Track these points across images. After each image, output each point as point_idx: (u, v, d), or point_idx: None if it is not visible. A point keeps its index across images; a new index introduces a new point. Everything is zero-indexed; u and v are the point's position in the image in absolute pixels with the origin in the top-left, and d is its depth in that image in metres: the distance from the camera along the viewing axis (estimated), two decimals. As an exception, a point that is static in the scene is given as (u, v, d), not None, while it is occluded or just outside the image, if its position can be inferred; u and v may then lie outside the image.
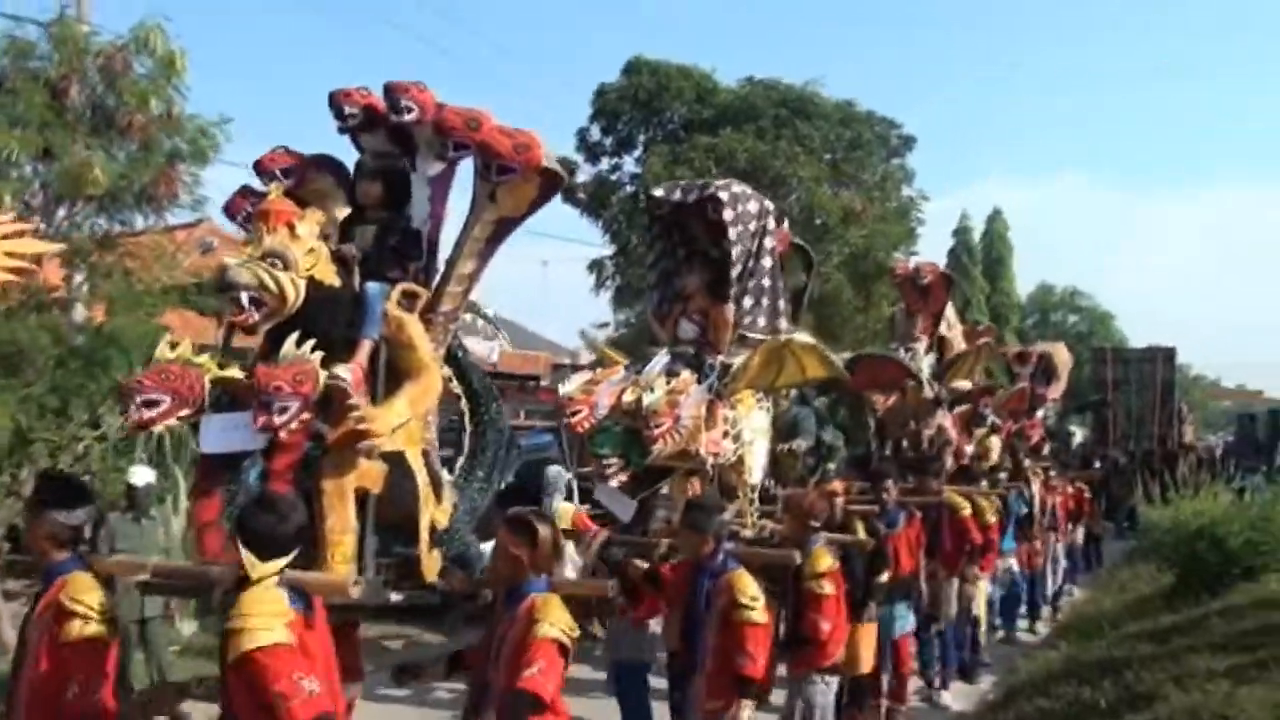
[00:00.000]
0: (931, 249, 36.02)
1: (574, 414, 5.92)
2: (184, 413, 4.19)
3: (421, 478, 4.77)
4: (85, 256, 10.71)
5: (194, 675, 6.64)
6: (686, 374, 6.51)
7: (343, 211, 5.08)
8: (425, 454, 4.91)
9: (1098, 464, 19.66)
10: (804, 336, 7.42)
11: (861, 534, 7.50)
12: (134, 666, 8.49)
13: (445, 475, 5.14)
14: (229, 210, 5.13)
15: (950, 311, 12.48)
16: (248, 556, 3.64)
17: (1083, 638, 10.80)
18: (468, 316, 5.42)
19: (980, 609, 10.64)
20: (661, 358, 6.76)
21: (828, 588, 6.18)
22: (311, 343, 4.25)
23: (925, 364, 11.34)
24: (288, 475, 4.30)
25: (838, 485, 7.64)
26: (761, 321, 7.18)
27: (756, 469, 7.24)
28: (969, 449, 12.31)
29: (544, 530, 4.26)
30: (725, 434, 6.74)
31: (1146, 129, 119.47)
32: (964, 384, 12.45)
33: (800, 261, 8.84)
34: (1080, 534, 15.94)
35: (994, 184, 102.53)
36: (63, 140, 10.00)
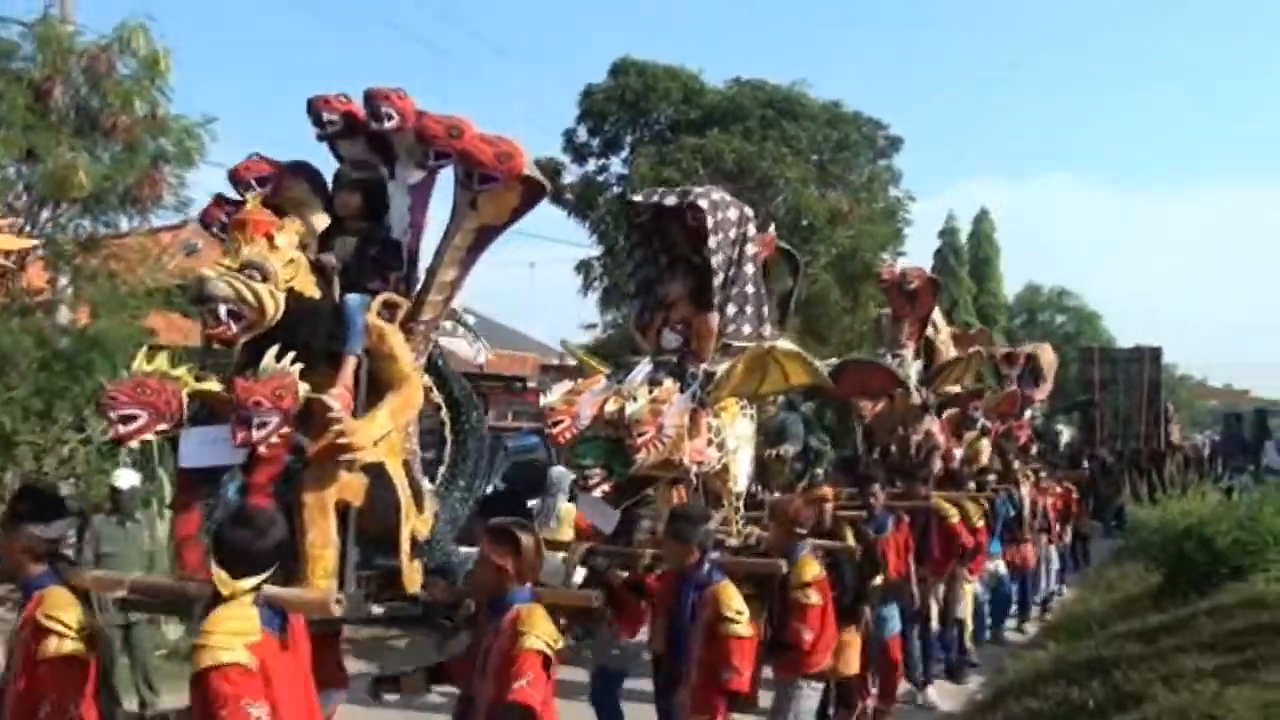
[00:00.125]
0: (918, 250, 36.16)
1: (556, 424, 5.89)
2: (161, 427, 4.14)
3: (402, 489, 4.72)
4: (69, 259, 10.66)
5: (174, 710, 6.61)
6: (669, 383, 6.47)
7: (321, 219, 5.02)
8: (406, 464, 4.87)
9: (1085, 464, 19.69)
10: (787, 344, 7.38)
11: (850, 539, 7.49)
12: (119, 672, 8.42)
13: (426, 484, 5.11)
14: (204, 219, 5.07)
15: (937, 315, 12.46)
16: (218, 573, 3.59)
17: (1071, 637, 10.81)
18: (447, 324, 5.36)
19: (966, 611, 10.65)
20: (644, 366, 6.73)
21: (814, 597, 6.15)
22: (291, 355, 4.20)
23: (913, 370, 11.31)
24: (268, 489, 4.25)
25: (828, 490, 7.61)
26: (746, 329, 7.14)
27: (741, 477, 7.21)
28: (958, 453, 12.30)
29: (527, 539, 4.25)
30: (709, 442, 6.72)
31: (1132, 130, 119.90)
32: (952, 388, 12.43)
33: (786, 266, 8.81)
34: (1069, 533, 15.99)
35: (980, 185, 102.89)
36: (46, 142, 9.95)
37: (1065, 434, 26.36)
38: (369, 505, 4.58)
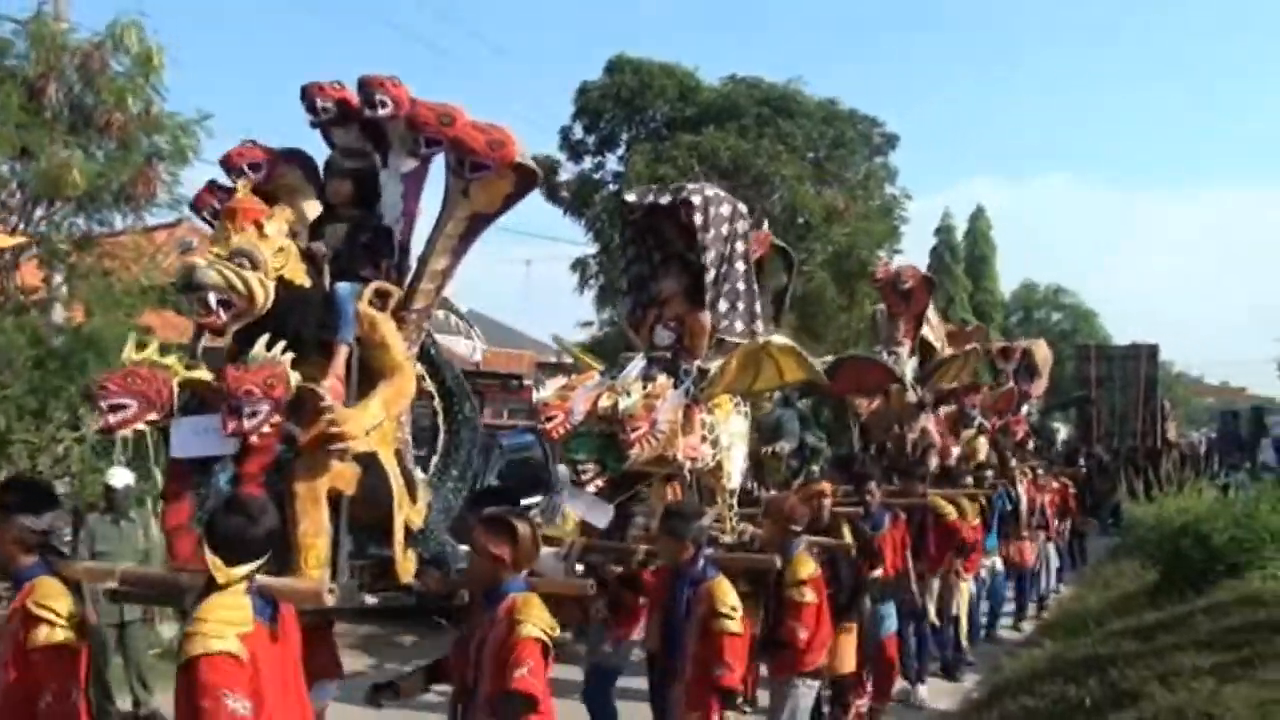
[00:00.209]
0: (914, 248, 36.09)
1: (549, 420, 5.87)
2: (152, 417, 4.11)
3: (395, 478, 4.69)
4: (63, 257, 10.62)
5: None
6: (663, 379, 6.46)
7: (313, 207, 5.00)
8: (399, 454, 4.84)
9: (1082, 461, 19.69)
10: (781, 338, 7.36)
11: (847, 536, 7.46)
12: (113, 671, 8.39)
13: (419, 474, 5.08)
14: (195, 205, 5.04)
15: (931, 312, 12.46)
16: (213, 560, 3.55)
17: (1067, 635, 10.78)
18: (440, 313, 5.34)
19: (962, 608, 10.62)
20: (638, 362, 6.72)
21: (809, 595, 6.12)
22: (282, 344, 4.17)
23: (909, 367, 11.31)
24: (259, 478, 4.21)
25: (826, 485, 7.58)
26: (739, 325, 7.13)
27: (735, 474, 7.19)
28: (956, 450, 12.30)
29: (524, 528, 4.23)
30: (703, 439, 6.71)
31: (1130, 129, 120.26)
32: (948, 385, 12.42)
33: (781, 262, 8.81)
34: (1066, 529, 15.99)
35: (977, 184, 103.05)
36: (40, 139, 9.89)
37: (1062, 431, 26.40)
38: (362, 494, 4.56)
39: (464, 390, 5.45)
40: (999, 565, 12.17)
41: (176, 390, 4.18)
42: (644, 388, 6.19)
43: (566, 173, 23.60)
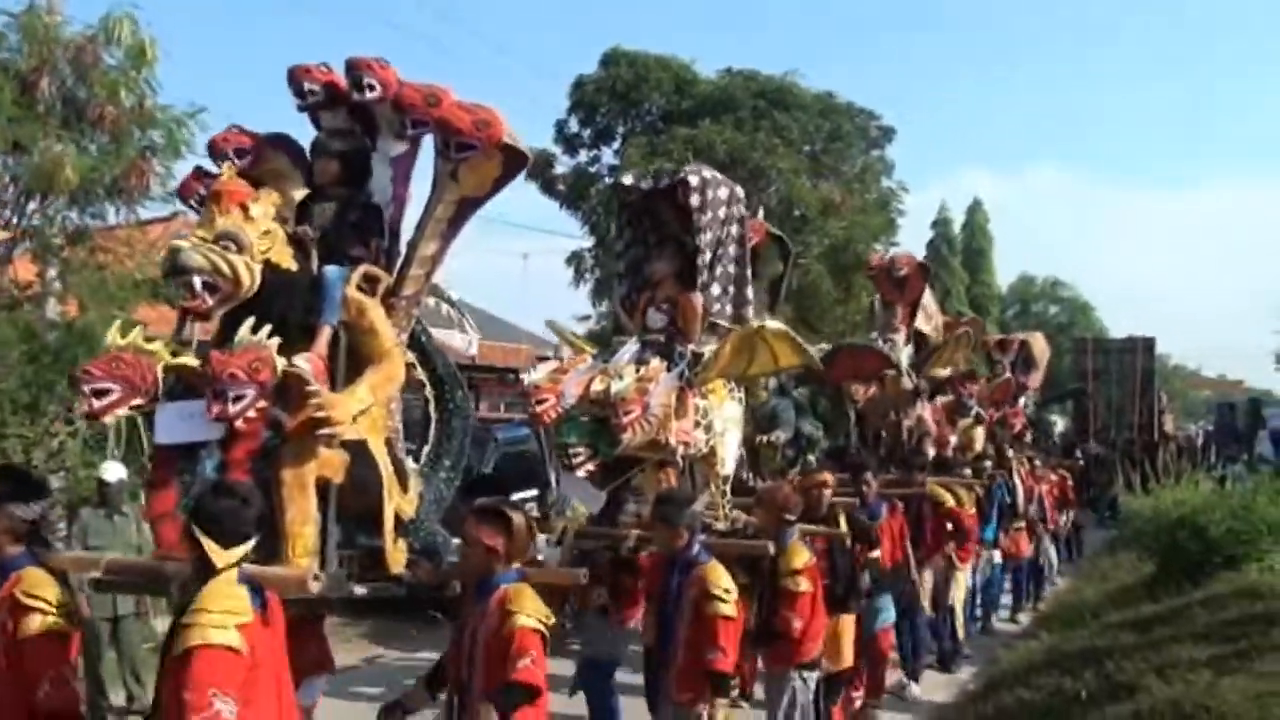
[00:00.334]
0: (911, 241, 36.10)
1: (540, 403, 5.80)
2: (136, 402, 4.07)
3: (385, 466, 4.64)
4: (57, 251, 10.58)
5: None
6: (656, 362, 6.39)
7: (300, 192, 4.95)
8: (389, 442, 4.79)
9: (1079, 454, 19.66)
10: (776, 324, 7.28)
11: (844, 526, 7.40)
12: (107, 665, 8.36)
13: (410, 464, 5.02)
14: (182, 193, 5.00)
15: (929, 300, 12.43)
16: (209, 544, 3.50)
17: (1064, 627, 10.76)
18: (431, 302, 5.28)
19: (958, 600, 10.59)
20: (631, 346, 6.65)
21: (803, 584, 6.06)
22: (268, 328, 4.12)
23: (904, 355, 11.28)
24: (246, 465, 4.17)
25: (827, 476, 7.51)
26: (729, 309, 7.07)
27: (729, 460, 7.12)
28: (953, 439, 12.27)
29: (518, 519, 4.20)
30: (696, 424, 6.62)
31: (1128, 122, 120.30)
32: (943, 372, 12.39)
33: (777, 251, 8.74)
34: (1064, 521, 15.98)
35: (974, 177, 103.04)
36: (33, 133, 9.82)
37: (1059, 424, 26.38)
38: (350, 483, 4.51)
39: (455, 379, 5.40)
40: (998, 557, 12.14)
41: (161, 375, 4.14)
42: (637, 371, 6.11)
43: (562, 166, 23.59)
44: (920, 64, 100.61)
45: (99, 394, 4.01)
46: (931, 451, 10.97)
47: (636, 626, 6.63)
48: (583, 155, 23.82)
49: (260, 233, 4.22)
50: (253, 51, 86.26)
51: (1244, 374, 62.69)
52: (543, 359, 7.54)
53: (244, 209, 4.20)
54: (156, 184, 10.57)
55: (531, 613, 3.99)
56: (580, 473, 5.93)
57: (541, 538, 5.73)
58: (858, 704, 8.04)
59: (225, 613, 3.41)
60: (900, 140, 25.06)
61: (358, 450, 4.51)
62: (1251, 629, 8.01)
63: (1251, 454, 25.72)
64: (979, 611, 12.01)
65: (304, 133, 5.22)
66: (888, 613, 8.38)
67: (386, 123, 4.91)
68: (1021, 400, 16.48)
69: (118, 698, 8.45)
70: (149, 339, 4.34)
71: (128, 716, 8.32)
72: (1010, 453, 13.07)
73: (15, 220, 10.19)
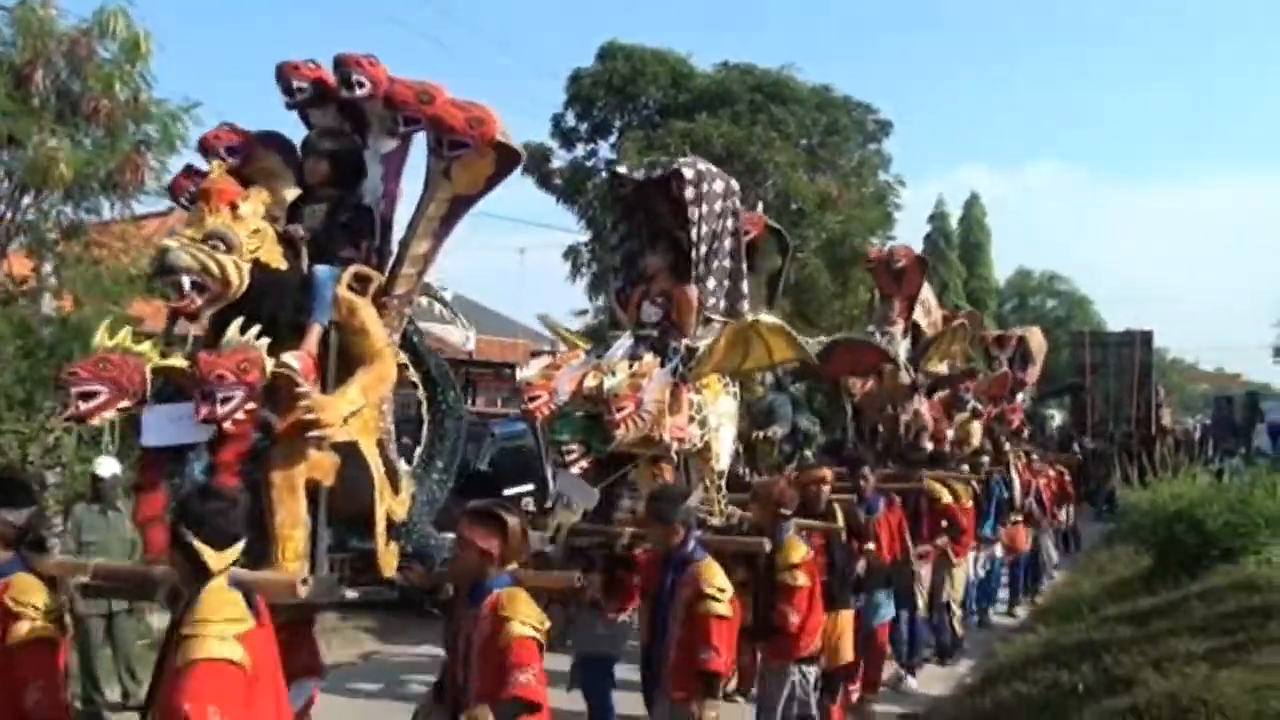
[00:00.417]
0: (908, 235, 36.02)
1: (533, 400, 5.75)
2: (124, 404, 4.02)
3: (376, 468, 4.60)
4: (51, 246, 10.56)
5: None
6: (650, 357, 6.34)
7: (291, 191, 4.89)
8: (381, 444, 4.75)
9: (1076, 448, 19.65)
10: (770, 317, 7.22)
11: (840, 521, 7.36)
12: (102, 661, 8.34)
13: (403, 466, 4.98)
14: (173, 191, 4.95)
15: (928, 294, 12.40)
16: (203, 547, 3.44)
17: (1061, 621, 10.74)
18: (423, 301, 5.24)
19: (955, 595, 10.57)
20: (624, 341, 6.59)
21: (801, 579, 6.02)
22: (256, 329, 4.09)
23: (902, 348, 11.25)
24: (235, 467, 4.12)
25: (826, 472, 7.47)
26: (724, 303, 7.02)
27: (723, 455, 7.07)
28: (950, 433, 12.25)
29: (512, 521, 4.14)
30: (690, 419, 6.57)
31: (1126, 117, 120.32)
32: (941, 368, 12.37)
33: (776, 245, 8.71)
34: (1065, 516, 15.98)
35: (971, 171, 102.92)
36: (27, 127, 9.80)
37: (1056, 418, 26.38)
38: (341, 485, 4.46)
39: (448, 379, 5.35)
40: (999, 552, 12.13)
41: (149, 377, 4.09)
42: (630, 366, 6.07)
43: (559, 160, 23.56)
44: (920, 63, 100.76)
45: (85, 396, 3.97)
46: (929, 446, 10.94)
47: (632, 621, 6.61)
48: (579, 149, 23.81)
49: (249, 232, 4.18)
50: (253, 49, 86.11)
51: (1242, 367, 62.76)
52: (539, 354, 7.49)
53: (233, 208, 4.16)
54: (151, 179, 10.57)
55: (527, 619, 3.93)
56: (574, 469, 5.88)
57: (536, 535, 5.69)
58: (854, 698, 8.02)
59: (227, 621, 3.37)
60: (900, 138, 25.25)
61: (349, 452, 4.47)
62: (1248, 622, 7.99)
63: (1249, 447, 25.75)
64: (975, 606, 11.99)
65: (301, 131, 5.18)
66: (887, 608, 8.36)
67: (378, 120, 4.85)
68: (1020, 395, 16.47)
69: (113, 693, 8.44)
70: (144, 335, 4.30)
71: (123, 712, 8.30)
72: (1007, 447, 13.04)
73: (10, 215, 10.17)
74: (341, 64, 4.70)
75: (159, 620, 10.31)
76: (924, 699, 9.21)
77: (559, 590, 4.92)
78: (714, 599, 5.11)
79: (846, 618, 7.19)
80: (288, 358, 4.15)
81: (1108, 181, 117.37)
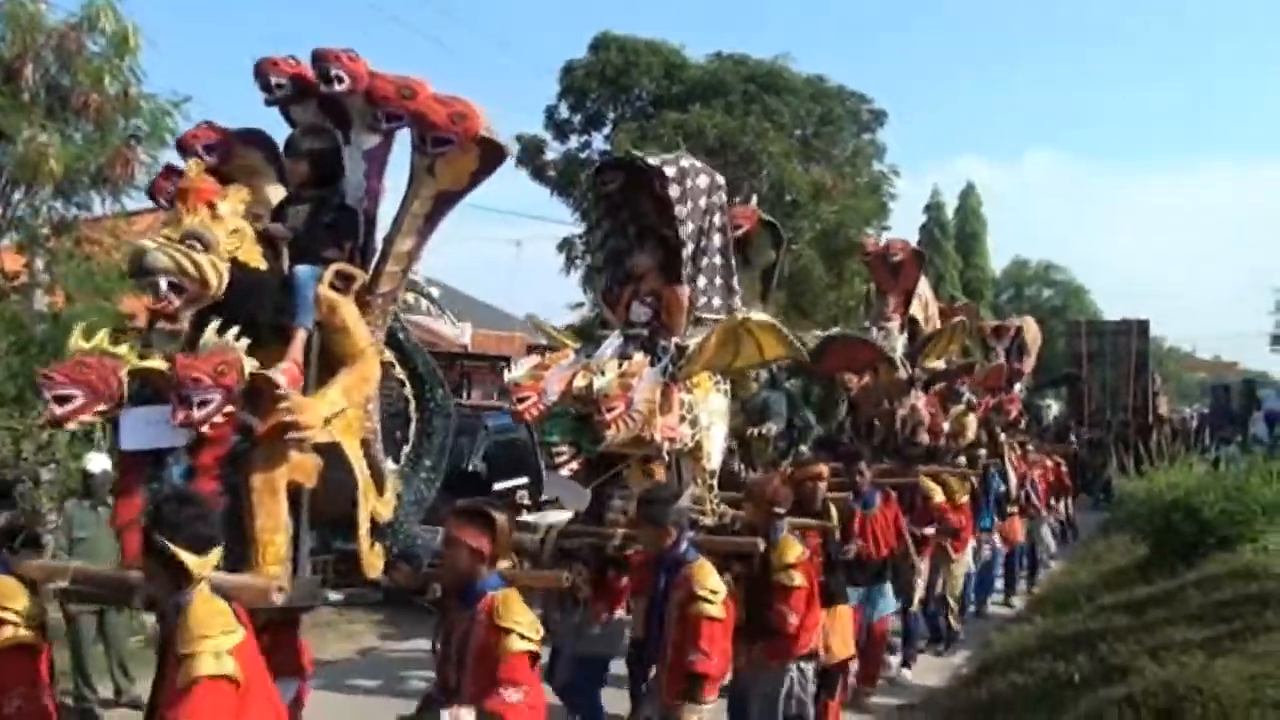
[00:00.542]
0: (903, 226, 36.09)
1: (522, 401, 5.69)
2: (100, 407, 3.94)
3: (360, 469, 4.53)
4: (43, 242, 10.52)
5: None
6: (639, 357, 6.27)
7: (274, 189, 4.83)
8: (365, 444, 4.67)
9: (1073, 438, 19.63)
10: (761, 315, 7.16)
11: (835, 519, 7.32)
12: (95, 659, 8.31)
13: (390, 465, 4.92)
14: (153, 192, 4.87)
15: (925, 287, 12.34)
16: (187, 556, 3.38)
17: (1058, 611, 10.72)
18: (410, 297, 5.19)
19: (953, 590, 10.54)
20: (614, 340, 6.53)
21: (798, 579, 5.93)
22: (235, 330, 4.02)
23: (898, 344, 11.20)
24: (214, 471, 4.05)
25: (822, 468, 7.41)
26: (716, 301, 6.95)
27: (715, 454, 7.01)
28: (945, 426, 12.20)
29: (501, 519, 4.09)
30: (682, 418, 6.51)
31: (1122, 106, 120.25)
32: (938, 364, 12.32)
33: (770, 238, 8.65)
34: (1062, 506, 15.97)
35: (966, 161, 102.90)
36: (17, 122, 9.78)
37: (1053, 408, 26.37)
38: (324, 487, 4.40)
39: (436, 376, 5.27)
40: (998, 543, 12.10)
41: (126, 380, 4.02)
42: (620, 366, 6.00)
43: (553, 152, 23.52)
44: (919, 61, 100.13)
45: (61, 400, 3.90)
46: (926, 441, 10.90)
47: (625, 619, 6.55)
48: (573, 141, 23.81)
49: (228, 231, 4.11)
50: (248, 46, 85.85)
51: (1239, 356, 62.64)
52: (534, 348, 7.44)
53: (211, 207, 4.09)
54: (142, 173, 10.54)
55: (523, 628, 3.88)
56: (564, 471, 5.83)
57: (526, 536, 5.65)
58: (850, 693, 7.99)
59: (223, 634, 3.33)
60: (898, 131, 25.23)
61: (331, 453, 4.41)
62: (1245, 610, 7.95)
63: (1246, 435, 25.70)
64: (974, 597, 11.97)
65: (285, 129, 5.13)
66: (886, 601, 8.33)
67: (359, 116, 4.76)
68: (1016, 387, 16.44)
69: (105, 690, 8.40)
70: (137, 331, 4.24)
71: (115, 709, 8.27)
72: (1002, 439, 13.00)
73: (1, 210, 10.14)
74: (320, 58, 4.59)
75: (152, 617, 10.28)
76: (919, 690, 9.20)
77: (550, 589, 4.88)
78: (706, 601, 5.07)
79: (845, 613, 7.15)
80: (273, 374, 4.08)
81: (1106, 174, 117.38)
